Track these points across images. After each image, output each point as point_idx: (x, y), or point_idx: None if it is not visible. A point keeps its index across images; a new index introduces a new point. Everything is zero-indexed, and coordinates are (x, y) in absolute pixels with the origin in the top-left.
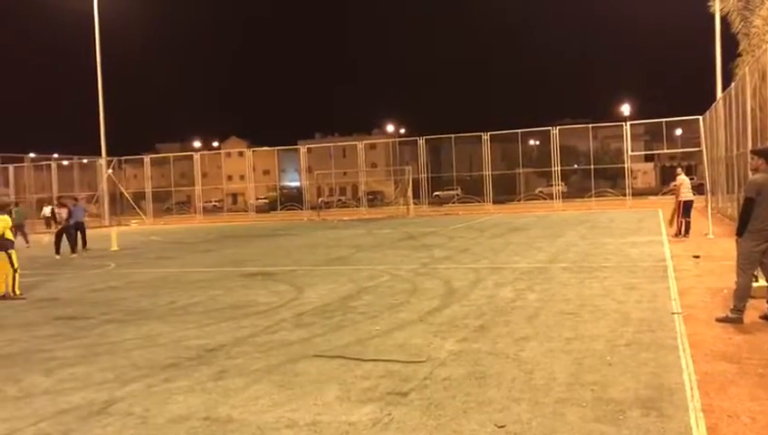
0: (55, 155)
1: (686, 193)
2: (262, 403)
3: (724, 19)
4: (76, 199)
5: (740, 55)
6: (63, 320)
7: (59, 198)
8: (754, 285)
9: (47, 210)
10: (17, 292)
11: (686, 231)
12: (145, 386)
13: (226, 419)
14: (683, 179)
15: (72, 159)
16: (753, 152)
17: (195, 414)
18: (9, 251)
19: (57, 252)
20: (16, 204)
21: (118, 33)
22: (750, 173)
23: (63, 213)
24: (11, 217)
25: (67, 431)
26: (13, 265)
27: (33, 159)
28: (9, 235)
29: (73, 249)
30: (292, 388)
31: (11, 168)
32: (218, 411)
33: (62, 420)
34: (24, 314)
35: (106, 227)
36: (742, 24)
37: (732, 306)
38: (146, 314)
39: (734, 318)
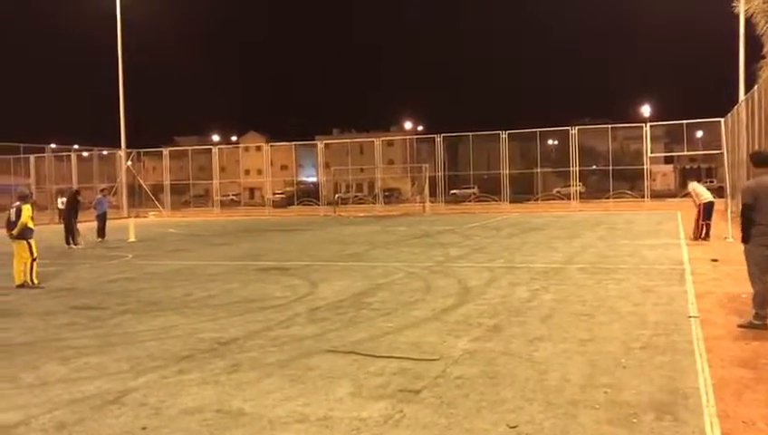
0: (75, 146)
1: (705, 195)
2: (274, 397)
3: (748, 20)
4: (104, 191)
5: (764, 57)
6: (80, 309)
7: (71, 190)
8: None
9: (61, 201)
10: (35, 281)
11: (707, 234)
12: (159, 377)
13: (238, 412)
14: (694, 187)
15: (92, 150)
16: (750, 156)
17: (207, 406)
18: (29, 240)
19: (76, 242)
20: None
21: (139, 25)
22: None
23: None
24: (33, 207)
25: (81, 420)
26: (32, 253)
27: (53, 150)
28: (31, 224)
29: (69, 240)
30: (304, 383)
31: (32, 158)
32: (231, 404)
33: (77, 408)
34: (42, 302)
35: (124, 218)
36: (767, 25)
37: (754, 313)
38: (161, 306)
39: (759, 325)
